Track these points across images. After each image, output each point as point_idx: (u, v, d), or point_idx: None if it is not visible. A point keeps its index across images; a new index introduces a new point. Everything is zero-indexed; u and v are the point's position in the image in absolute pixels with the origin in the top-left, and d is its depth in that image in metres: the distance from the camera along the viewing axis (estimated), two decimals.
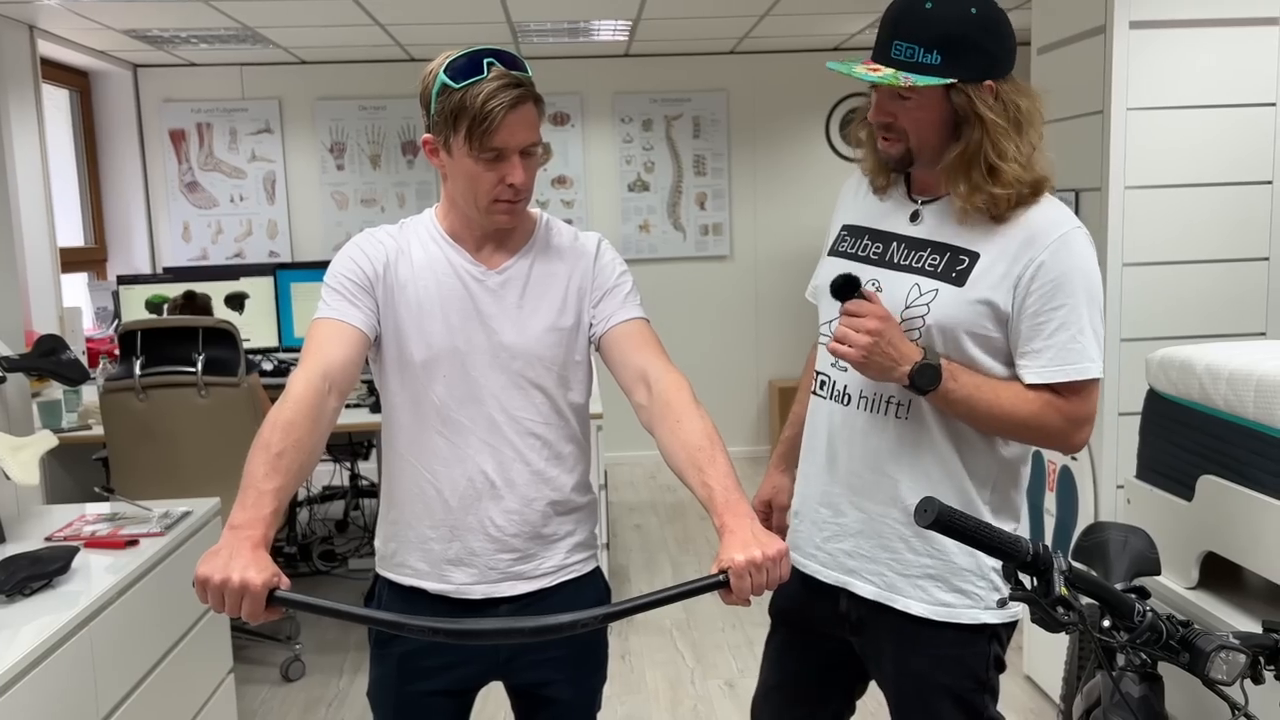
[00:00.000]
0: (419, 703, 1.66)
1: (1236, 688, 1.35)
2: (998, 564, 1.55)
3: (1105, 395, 2.88)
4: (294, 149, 6.20)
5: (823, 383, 1.74)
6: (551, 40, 5.71)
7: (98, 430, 3.51)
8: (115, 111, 6.03)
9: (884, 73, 1.53)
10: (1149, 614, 1.36)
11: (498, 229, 1.61)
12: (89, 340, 4.83)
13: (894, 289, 1.60)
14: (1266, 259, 2.94)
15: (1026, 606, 1.36)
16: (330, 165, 6.21)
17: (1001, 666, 1.68)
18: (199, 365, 3.27)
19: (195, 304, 4.05)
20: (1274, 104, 2.88)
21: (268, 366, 4.35)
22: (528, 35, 5.53)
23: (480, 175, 1.52)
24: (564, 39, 5.69)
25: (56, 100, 5.65)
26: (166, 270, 5.60)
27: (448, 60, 1.52)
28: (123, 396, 3.29)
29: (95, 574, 2.09)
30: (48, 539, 2.26)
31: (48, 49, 5.14)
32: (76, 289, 5.48)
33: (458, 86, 1.49)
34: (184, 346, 3.29)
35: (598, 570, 1.75)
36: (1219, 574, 2.20)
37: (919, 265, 1.60)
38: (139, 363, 3.28)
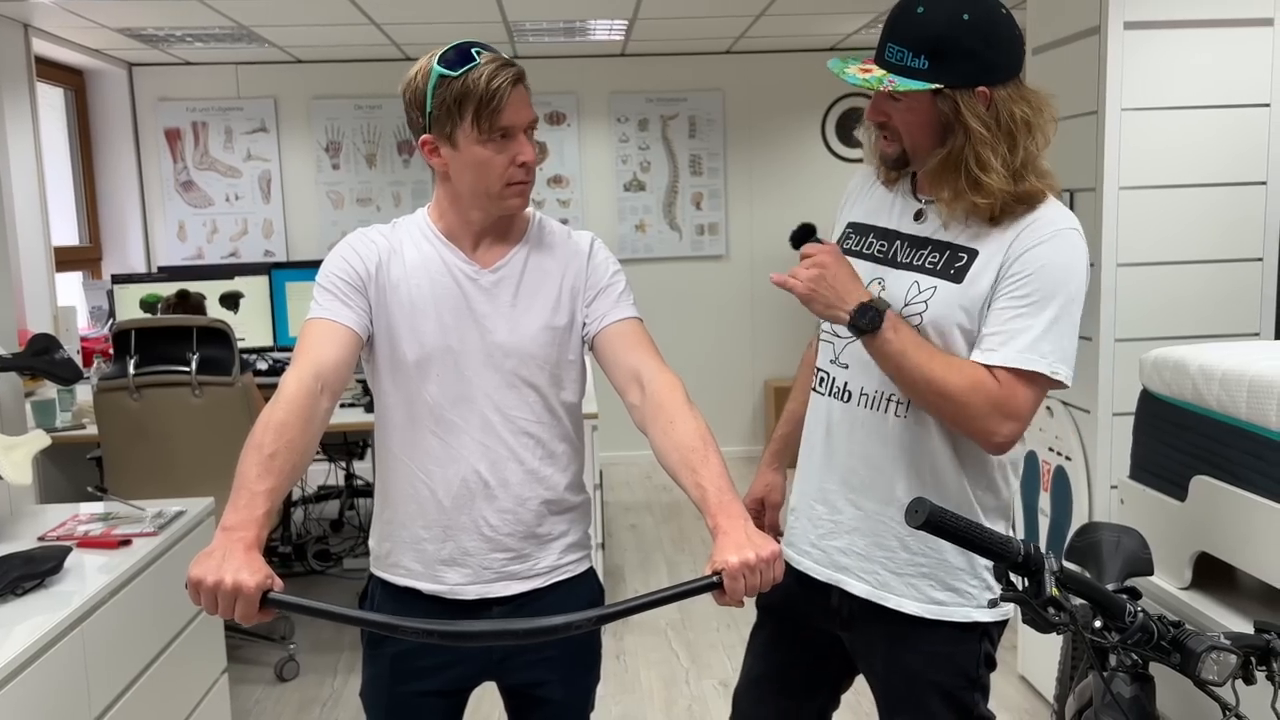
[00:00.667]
0: (412, 703, 1.66)
1: (1228, 688, 1.35)
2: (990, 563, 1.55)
3: (1099, 395, 2.89)
4: (289, 148, 6.19)
5: (822, 379, 1.74)
6: (547, 40, 5.71)
7: (92, 430, 3.50)
8: (110, 110, 6.02)
9: (871, 75, 1.53)
10: (1140, 614, 1.36)
11: (498, 221, 1.61)
12: (84, 339, 4.82)
13: (895, 287, 1.61)
14: (1260, 259, 2.94)
15: (1017, 606, 1.36)
16: (326, 164, 6.20)
17: (992, 664, 1.68)
18: (193, 365, 3.27)
19: (188, 303, 4.04)
20: (1268, 105, 2.89)
21: (262, 366, 4.35)
22: (523, 34, 5.53)
23: (491, 160, 1.53)
24: (560, 38, 5.68)
25: (51, 99, 5.63)
26: (161, 269, 5.60)
27: (436, 56, 1.53)
28: (116, 396, 3.28)
29: (88, 574, 2.08)
30: (40, 539, 2.26)
31: (42, 47, 5.14)
32: (71, 288, 5.47)
33: (456, 74, 1.50)
34: (178, 346, 3.29)
35: (591, 570, 1.75)
36: (1212, 574, 2.21)
37: (919, 263, 1.60)
38: (133, 362, 3.28)
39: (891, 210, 1.69)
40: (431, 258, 1.61)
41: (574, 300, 1.64)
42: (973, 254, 1.56)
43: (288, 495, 4.36)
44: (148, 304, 4.34)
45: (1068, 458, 3.05)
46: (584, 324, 1.64)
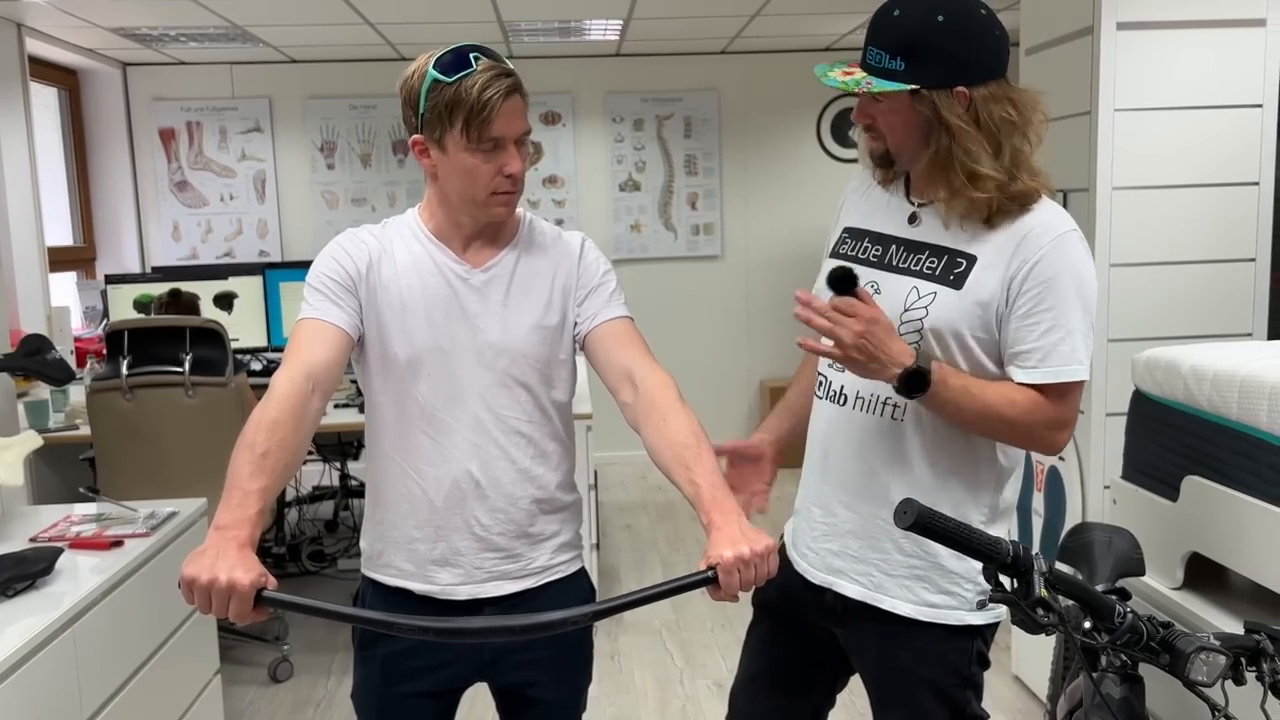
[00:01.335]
0: (403, 704, 1.66)
1: (1218, 689, 1.35)
2: None
3: (1093, 396, 2.89)
4: (284, 148, 6.18)
5: (820, 383, 1.75)
6: (542, 39, 5.71)
7: (85, 430, 3.50)
8: (104, 110, 6.01)
9: (851, 78, 1.55)
10: (1129, 615, 1.36)
11: (486, 226, 1.61)
12: (77, 340, 4.81)
13: (893, 292, 1.61)
14: (1253, 260, 2.95)
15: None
16: (321, 164, 6.19)
17: (985, 663, 1.69)
18: (186, 365, 3.26)
19: (180, 302, 4.03)
20: (1261, 105, 2.89)
21: (256, 366, 4.34)
22: (519, 34, 5.53)
23: (478, 168, 1.53)
24: (555, 38, 5.68)
25: (45, 99, 5.62)
26: (156, 269, 5.58)
27: (434, 58, 1.52)
28: (109, 396, 3.28)
29: (80, 575, 2.08)
30: (32, 539, 2.25)
31: (36, 47, 5.12)
32: (65, 288, 5.46)
33: (450, 80, 1.49)
34: (171, 346, 3.28)
35: (583, 570, 1.75)
36: (1204, 574, 2.21)
37: (917, 268, 1.60)
38: (126, 362, 3.27)
39: (886, 214, 1.69)
40: (422, 258, 1.61)
41: (565, 300, 1.64)
42: (971, 259, 1.56)
43: (282, 496, 4.36)
44: (142, 304, 4.33)
45: (1061, 458, 3.06)
46: (575, 323, 1.65)
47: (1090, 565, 1.79)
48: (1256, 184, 2.92)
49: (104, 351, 3.49)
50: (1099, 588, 1.60)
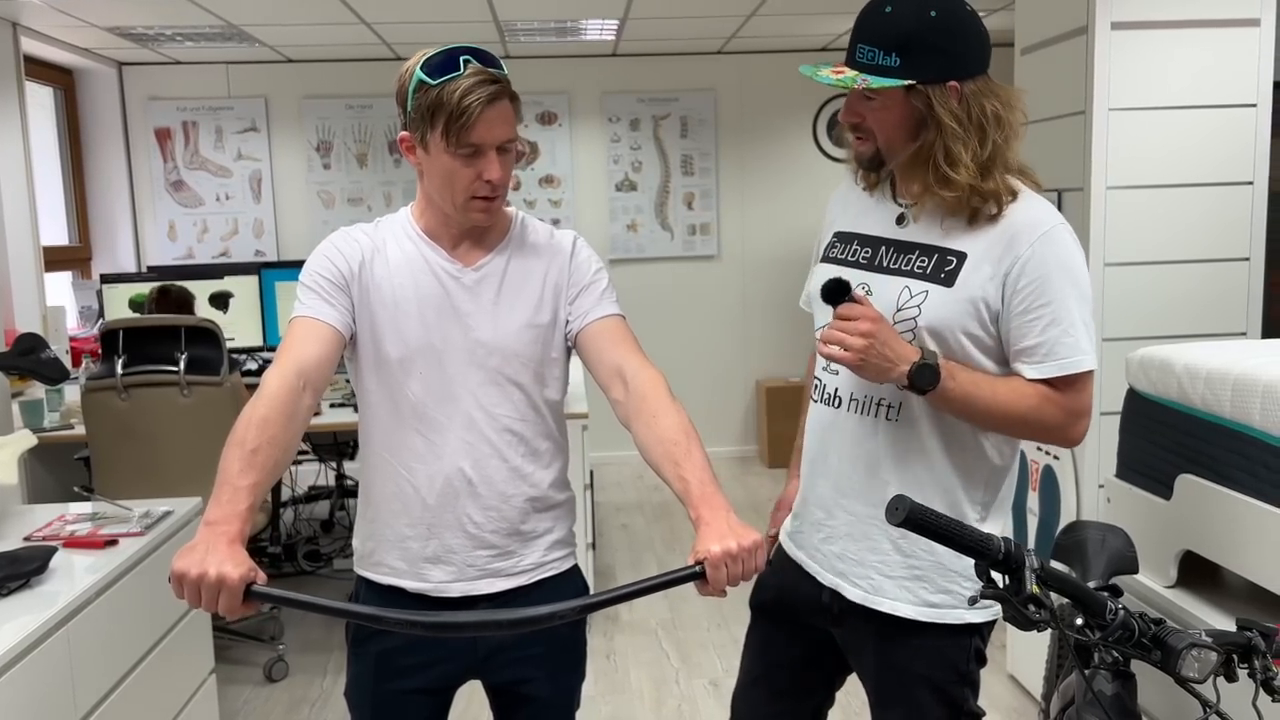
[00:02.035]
0: (397, 701, 1.66)
1: (1209, 685, 1.35)
2: None
3: None
4: (280, 148, 6.18)
5: (816, 385, 1.75)
6: (539, 39, 5.71)
7: (80, 429, 3.49)
8: (100, 109, 6.01)
9: (843, 75, 1.55)
10: (1121, 612, 1.36)
11: (474, 226, 1.61)
12: (73, 339, 4.81)
13: (884, 292, 1.61)
14: (1247, 259, 2.96)
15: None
16: (317, 164, 6.19)
17: (983, 661, 1.69)
18: (181, 364, 3.26)
19: (170, 297, 4.01)
20: (1255, 105, 2.90)
21: (252, 366, 4.34)
22: (515, 34, 5.53)
23: (457, 172, 1.53)
24: (551, 38, 5.68)
25: (40, 98, 5.62)
26: (151, 269, 5.58)
27: (424, 57, 1.52)
28: (104, 396, 3.27)
29: (74, 574, 2.07)
30: (26, 539, 2.25)
31: (31, 46, 5.12)
32: (60, 288, 5.46)
33: (434, 83, 1.49)
34: (166, 346, 3.28)
35: (576, 568, 1.75)
36: (1198, 573, 2.21)
37: (908, 268, 1.61)
38: (121, 362, 3.27)
39: (874, 217, 1.69)
40: (414, 256, 1.61)
41: (557, 298, 1.64)
42: (961, 256, 1.57)
43: (277, 495, 4.36)
44: (137, 304, 4.33)
45: (1056, 457, 3.06)
46: (567, 321, 1.65)
47: (1084, 563, 1.79)
48: (1251, 183, 2.93)
49: (99, 351, 3.48)
50: (1092, 585, 1.61)
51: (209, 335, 3.31)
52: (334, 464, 4.90)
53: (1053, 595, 1.32)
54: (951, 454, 1.62)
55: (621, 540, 5.02)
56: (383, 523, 1.64)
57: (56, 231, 5.75)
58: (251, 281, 4.50)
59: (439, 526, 1.61)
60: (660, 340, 5.58)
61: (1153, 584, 2.25)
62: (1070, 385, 1.55)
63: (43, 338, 2.45)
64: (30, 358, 2.38)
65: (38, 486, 3.71)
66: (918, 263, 1.60)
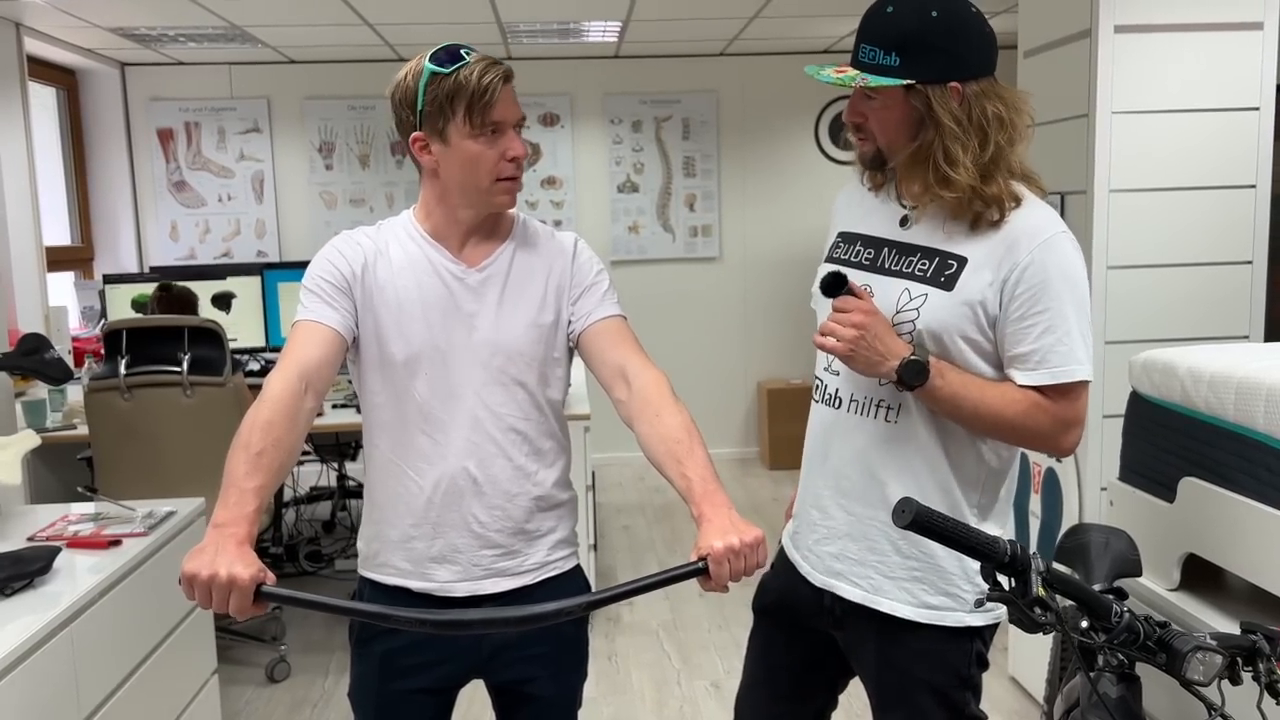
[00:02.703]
0: (400, 701, 1.66)
1: (1214, 688, 1.35)
2: None
3: (1090, 398, 2.89)
4: (282, 148, 6.18)
5: (817, 385, 1.76)
6: (541, 41, 5.71)
7: (83, 430, 3.50)
8: (103, 110, 6.01)
9: (845, 74, 1.56)
10: (1126, 615, 1.36)
11: (485, 220, 1.63)
12: (75, 339, 4.81)
13: (885, 294, 1.61)
14: (1250, 263, 2.96)
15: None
16: (319, 165, 6.19)
17: (984, 664, 1.69)
18: (184, 365, 3.26)
19: (172, 296, 4.01)
20: (1258, 108, 2.90)
21: (254, 366, 4.34)
22: (517, 36, 5.53)
23: (482, 154, 1.55)
24: (554, 40, 5.69)
25: (43, 98, 5.62)
26: (153, 269, 5.59)
27: (427, 55, 1.55)
28: (107, 396, 3.28)
29: (77, 574, 2.08)
30: (30, 539, 2.25)
31: (34, 47, 5.12)
32: (63, 288, 5.46)
33: (448, 71, 1.53)
34: (169, 346, 3.28)
35: (579, 568, 1.76)
36: (1201, 576, 2.21)
37: (909, 270, 1.61)
38: (124, 362, 3.27)
39: (878, 218, 1.70)
40: (418, 258, 1.62)
41: (559, 298, 1.66)
42: (962, 261, 1.57)
43: (280, 496, 4.36)
44: (139, 304, 4.33)
45: (1058, 459, 3.06)
46: (569, 322, 1.66)
47: (1087, 566, 1.80)
48: (1253, 187, 2.93)
49: (102, 351, 3.49)
50: (1096, 588, 1.61)
51: (212, 336, 3.31)
52: (336, 465, 4.90)
53: (1058, 598, 1.32)
54: (950, 456, 1.62)
55: (623, 541, 5.02)
56: (388, 524, 1.65)
57: (59, 232, 5.75)
58: (254, 282, 4.50)
59: (444, 526, 1.62)
60: (661, 341, 5.57)
61: (1156, 587, 2.25)
62: (1062, 394, 1.55)
63: (47, 338, 2.45)
64: (34, 358, 2.38)
65: (41, 487, 3.72)
66: (919, 265, 1.60)
